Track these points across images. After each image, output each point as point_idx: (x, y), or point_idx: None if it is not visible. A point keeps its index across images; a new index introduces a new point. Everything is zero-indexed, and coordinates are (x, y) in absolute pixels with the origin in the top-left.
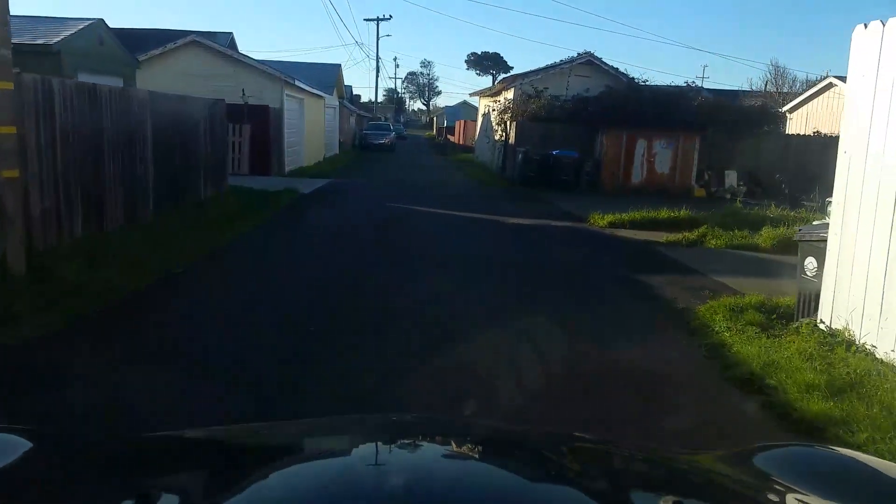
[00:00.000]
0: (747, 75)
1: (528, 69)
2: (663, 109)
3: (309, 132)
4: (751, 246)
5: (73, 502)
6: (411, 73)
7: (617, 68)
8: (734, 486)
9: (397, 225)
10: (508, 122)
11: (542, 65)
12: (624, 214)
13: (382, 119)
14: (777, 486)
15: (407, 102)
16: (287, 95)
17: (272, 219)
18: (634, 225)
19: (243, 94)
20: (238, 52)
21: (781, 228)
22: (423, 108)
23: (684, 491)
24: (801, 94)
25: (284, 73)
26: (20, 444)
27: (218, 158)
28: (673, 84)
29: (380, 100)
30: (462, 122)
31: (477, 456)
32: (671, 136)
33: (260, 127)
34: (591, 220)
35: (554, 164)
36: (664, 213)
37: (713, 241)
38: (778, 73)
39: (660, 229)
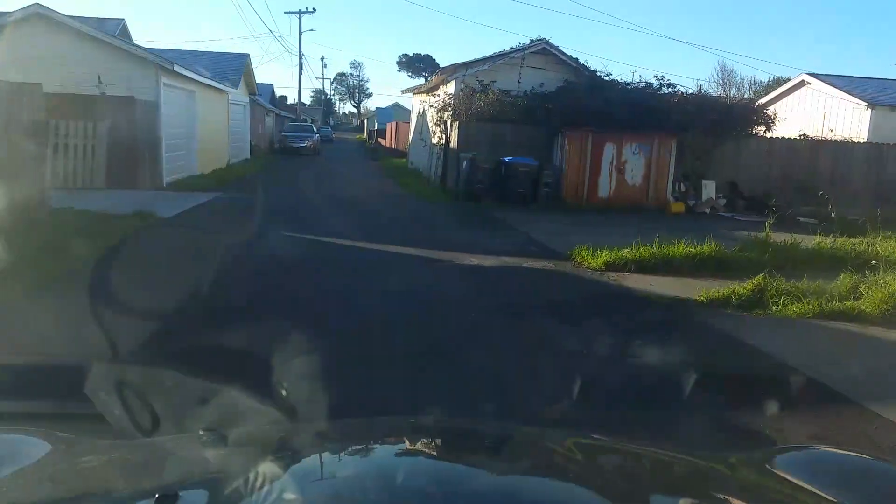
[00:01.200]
0: (696, 76)
1: (473, 58)
2: (635, 108)
3: (205, 133)
4: (850, 313)
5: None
6: (340, 74)
7: (577, 59)
8: (750, 488)
9: (285, 281)
10: (449, 123)
11: (489, 53)
12: (625, 251)
13: (307, 120)
14: (792, 488)
15: (336, 104)
16: (167, 86)
17: (62, 277)
18: (642, 267)
19: (99, 83)
20: (105, 33)
21: (876, 279)
22: (354, 110)
23: (700, 493)
24: (760, 93)
25: (161, 58)
26: (39, 446)
27: (14, 170)
28: (641, 79)
29: (308, 101)
30: (394, 124)
31: (492, 458)
32: (644, 139)
33: (125, 126)
34: (578, 259)
35: (507, 175)
36: (680, 249)
37: (792, 308)
38: (725, 73)
39: (681, 274)
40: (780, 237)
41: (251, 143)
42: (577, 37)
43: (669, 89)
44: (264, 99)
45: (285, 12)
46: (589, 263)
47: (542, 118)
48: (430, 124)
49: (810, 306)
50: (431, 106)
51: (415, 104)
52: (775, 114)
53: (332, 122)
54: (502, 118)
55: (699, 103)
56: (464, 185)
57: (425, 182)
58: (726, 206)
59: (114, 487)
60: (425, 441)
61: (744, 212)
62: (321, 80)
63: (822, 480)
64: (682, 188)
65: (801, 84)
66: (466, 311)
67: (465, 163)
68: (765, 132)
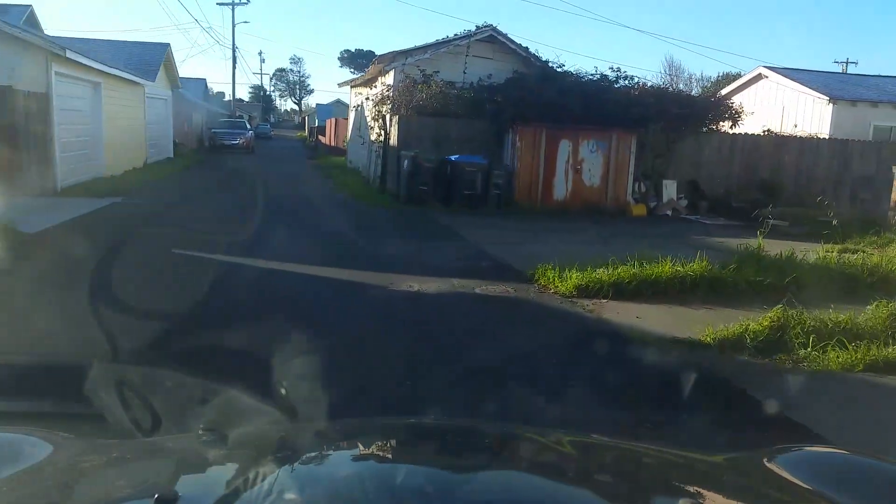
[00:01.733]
0: (645, 70)
1: (413, 45)
2: (591, 101)
3: (114, 130)
4: None
5: (99, 503)
6: (280, 70)
7: (527, 48)
8: (749, 488)
9: (135, 336)
10: (388, 117)
11: (431, 40)
12: (599, 271)
13: (244, 116)
14: (791, 488)
15: (277, 101)
16: (62, 75)
17: None
18: (622, 292)
19: None
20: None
21: None
22: (296, 107)
23: (699, 492)
24: (709, 90)
25: (53, 43)
26: (39, 446)
27: None
28: (597, 71)
29: (246, 98)
30: (333, 120)
31: (493, 459)
32: (602, 135)
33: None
34: (543, 281)
35: (453, 175)
36: (666, 269)
37: (833, 358)
38: (673, 68)
39: (668, 299)
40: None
41: (175, 141)
42: (526, 24)
43: (626, 81)
44: (196, 94)
45: (217, 3)
46: (557, 287)
47: (490, 112)
48: (368, 119)
49: (858, 355)
50: (368, 99)
51: (353, 98)
52: (741, 107)
53: (272, 119)
54: (447, 112)
55: (661, 96)
56: (405, 186)
57: (364, 183)
58: (688, 208)
59: (113, 487)
60: (423, 441)
61: (707, 214)
62: (259, 76)
63: (821, 480)
64: (643, 189)
65: (759, 78)
66: (411, 357)
67: (406, 162)
68: (731, 127)
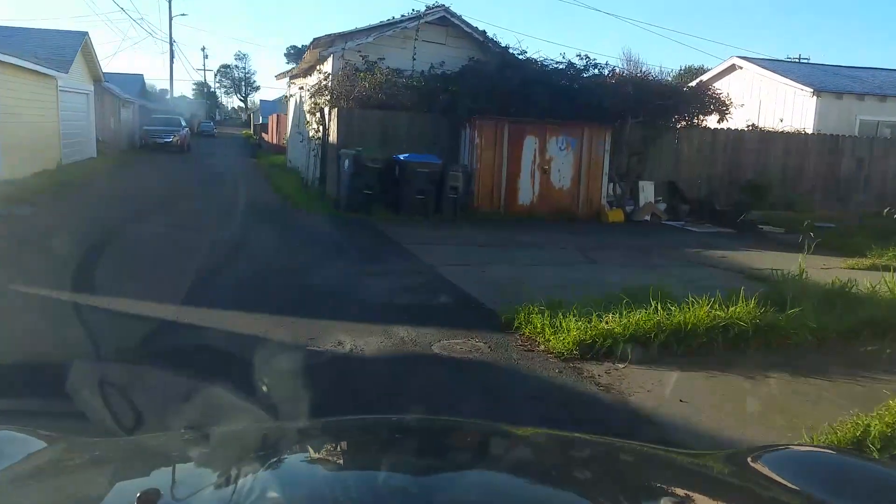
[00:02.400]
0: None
1: (354, 27)
2: (560, 91)
3: (15, 127)
4: None
5: (81, 501)
6: (225, 66)
7: (484, 32)
8: (733, 486)
9: None
10: (327, 111)
11: (375, 21)
12: (609, 319)
13: (182, 113)
14: (775, 487)
15: (222, 98)
16: None
17: None
18: (644, 350)
19: None
20: None
21: None
22: (242, 104)
23: (684, 491)
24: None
25: None
26: (20, 443)
27: None
28: (563, 58)
29: (191, 95)
30: (275, 116)
31: (478, 457)
32: (572, 130)
33: None
34: (528, 331)
35: (402, 177)
36: (702, 315)
37: None
38: (631, 62)
39: (714, 363)
40: (768, 258)
41: (98, 139)
42: (482, 6)
43: (596, 70)
44: (132, 91)
45: None
46: (549, 343)
47: (444, 104)
48: (306, 113)
49: None
50: (302, 89)
51: (292, 91)
52: (729, 97)
53: (218, 117)
54: (394, 105)
55: (641, 85)
56: (346, 190)
57: (302, 185)
58: (667, 212)
59: (96, 485)
60: (406, 439)
61: (690, 219)
62: (202, 72)
63: (805, 479)
64: (618, 191)
65: (732, 69)
66: None
67: (346, 162)
68: (719, 121)
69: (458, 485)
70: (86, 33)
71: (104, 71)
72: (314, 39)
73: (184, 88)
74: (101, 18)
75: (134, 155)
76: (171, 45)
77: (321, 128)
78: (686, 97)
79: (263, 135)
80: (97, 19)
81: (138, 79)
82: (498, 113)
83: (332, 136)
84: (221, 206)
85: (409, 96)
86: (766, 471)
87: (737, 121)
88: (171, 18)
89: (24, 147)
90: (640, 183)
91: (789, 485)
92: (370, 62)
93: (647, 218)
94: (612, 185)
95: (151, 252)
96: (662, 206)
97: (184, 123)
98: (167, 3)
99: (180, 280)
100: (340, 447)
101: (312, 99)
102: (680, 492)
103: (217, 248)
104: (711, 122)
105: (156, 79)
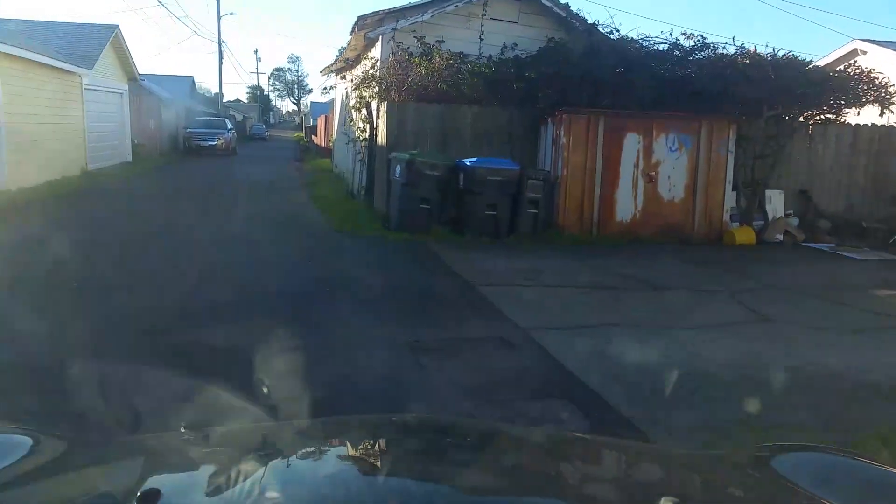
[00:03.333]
0: None
1: (407, 2)
2: (667, 77)
3: (27, 128)
4: None
5: (81, 501)
6: (278, 69)
7: (567, 5)
8: (735, 486)
9: None
10: (375, 105)
11: None
12: None
13: (230, 115)
14: (778, 486)
15: (275, 101)
16: None
17: None
18: None
19: None
20: None
21: None
22: (295, 107)
23: (686, 490)
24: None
25: None
26: (19, 444)
27: None
28: (670, 37)
29: (244, 98)
30: (323, 117)
31: (476, 456)
32: (687, 126)
33: None
34: None
35: (469, 188)
36: None
37: None
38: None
39: None
40: None
41: (134, 142)
42: None
43: (708, 51)
44: (180, 92)
45: None
46: None
47: (520, 95)
48: (351, 110)
49: None
50: (344, 78)
51: (339, 89)
52: (888, 81)
53: (272, 120)
54: (456, 96)
55: (786, 67)
56: (398, 204)
57: (347, 195)
58: (801, 228)
59: (95, 485)
60: (408, 438)
61: (834, 239)
62: (255, 75)
63: (806, 478)
64: (742, 203)
65: (853, 54)
66: None
67: (398, 168)
68: (880, 114)
69: (455, 484)
70: (116, 27)
71: (150, 73)
72: (359, 18)
73: (238, 92)
74: (137, 12)
75: (173, 160)
76: (220, 44)
77: (368, 126)
78: (838, 83)
79: (313, 137)
80: (137, 17)
81: (187, 80)
82: (589, 105)
83: (381, 137)
84: (242, 228)
85: (475, 86)
86: (768, 470)
87: (862, 117)
88: (219, 17)
89: (36, 151)
90: (767, 193)
91: (792, 485)
92: (427, 45)
93: (780, 238)
94: (736, 195)
95: (113, 305)
96: (795, 222)
97: (229, 126)
98: (215, 2)
99: (161, 349)
100: (340, 446)
101: (357, 91)
102: (684, 492)
103: (207, 298)
104: (889, 111)
105: (212, 82)
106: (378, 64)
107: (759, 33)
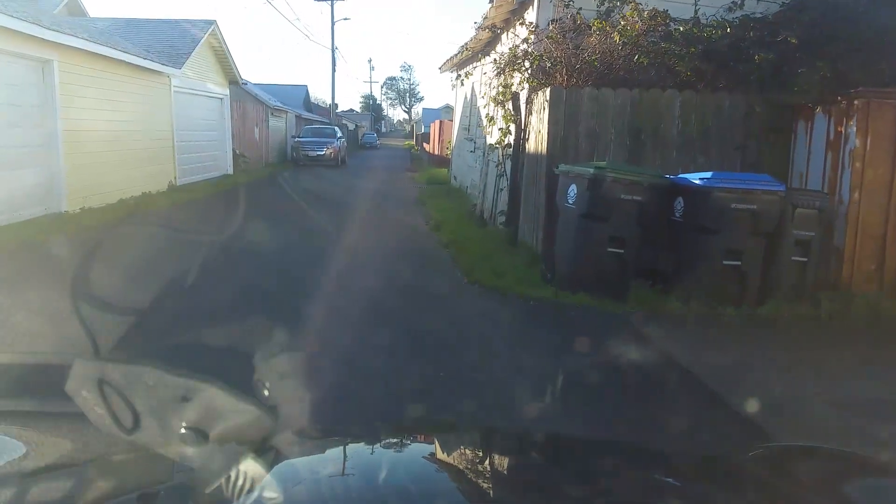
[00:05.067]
0: None
1: None
2: None
3: (92, 136)
4: None
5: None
6: (390, 78)
7: None
8: (735, 486)
9: None
10: (525, 95)
11: None
12: None
13: (341, 124)
14: (777, 486)
15: (387, 110)
16: None
17: None
18: None
19: None
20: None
21: None
22: (406, 115)
23: (687, 491)
24: None
25: None
26: (14, 446)
27: None
28: None
29: (357, 108)
30: (438, 123)
31: (481, 461)
32: None
33: None
34: None
35: (694, 222)
36: None
37: None
38: None
39: None
40: None
41: (236, 152)
42: None
43: None
44: (295, 101)
45: None
46: None
47: (763, 72)
48: (481, 109)
49: None
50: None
51: (459, 88)
52: None
53: (383, 129)
54: (655, 77)
55: None
56: (571, 244)
57: (475, 219)
58: None
59: (95, 485)
60: (411, 443)
61: None
62: (369, 84)
63: (805, 477)
64: None
65: None
66: None
67: (572, 188)
68: None
69: (457, 488)
70: (213, 22)
71: (265, 82)
72: None
73: (352, 102)
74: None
75: (277, 171)
76: (333, 51)
77: (512, 126)
78: None
79: (425, 145)
80: (245, 23)
81: (302, 89)
82: (879, 84)
83: (535, 141)
84: (332, 278)
85: (690, 60)
86: (768, 469)
87: None
88: (332, 23)
89: (106, 165)
90: None
91: (791, 485)
92: (610, 4)
93: None
94: None
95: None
96: None
97: (339, 134)
98: (329, 6)
99: None
100: (340, 449)
101: (500, 78)
102: (683, 492)
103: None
104: None
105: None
106: (535, 32)
107: None
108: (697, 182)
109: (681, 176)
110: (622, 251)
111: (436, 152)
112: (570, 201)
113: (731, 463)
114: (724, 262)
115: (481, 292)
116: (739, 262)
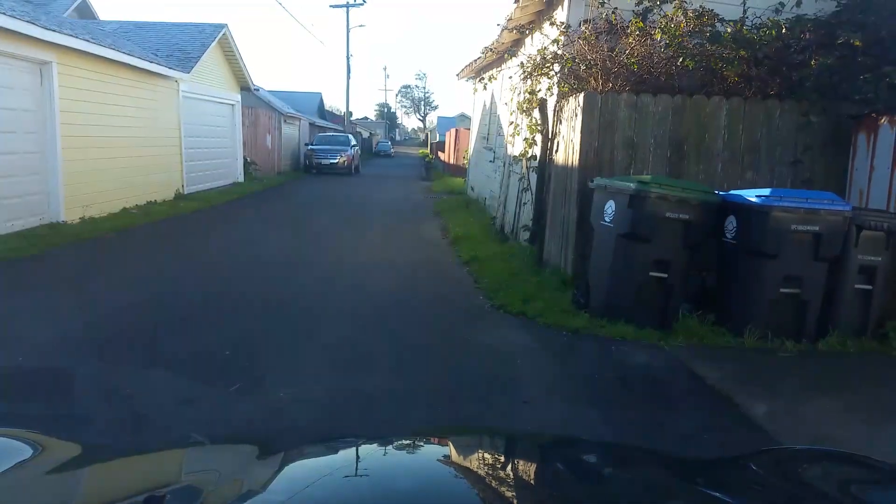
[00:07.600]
0: None
1: None
2: None
3: (94, 142)
4: None
5: None
6: (405, 87)
7: None
8: (739, 489)
9: None
10: (553, 102)
11: None
12: None
13: (354, 131)
14: (781, 488)
15: (401, 118)
16: None
17: None
18: None
19: None
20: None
21: None
22: (421, 124)
23: (690, 494)
24: None
25: None
26: (18, 449)
27: None
28: None
29: (372, 116)
30: (453, 131)
31: (486, 463)
32: None
33: None
34: None
35: (749, 245)
36: None
37: None
38: None
39: None
40: None
41: (246, 160)
42: None
43: None
44: (309, 109)
45: (330, 6)
46: None
47: (819, 79)
48: (502, 117)
49: None
50: (509, 77)
51: (478, 96)
52: None
53: (397, 137)
54: (700, 82)
55: None
56: (608, 267)
57: (496, 234)
58: None
59: (101, 488)
60: (416, 446)
61: None
62: (384, 92)
63: (809, 480)
64: None
65: None
66: None
67: (610, 205)
68: None
69: (461, 491)
70: (224, 26)
71: (279, 89)
72: None
73: (366, 110)
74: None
75: (289, 180)
76: (348, 58)
77: (538, 136)
78: None
79: (440, 153)
80: (261, 33)
81: (316, 96)
82: None
83: (564, 151)
84: (348, 295)
85: (739, 63)
86: (771, 472)
87: None
88: (348, 30)
89: (106, 173)
90: None
91: (794, 487)
92: (650, 1)
93: None
94: None
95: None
96: None
97: (353, 142)
98: (344, 13)
99: None
100: (348, 457)
101: (528, 83)
102: (688, 496)
103: None
104: None
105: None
106: (567, 32)
107: None
108: (754, 200)
109: (733, 193)
110: (666, 276)
111: (451, 161)
112: (608, 219)
113: (731, 464)
114: (782, 290)
115: (507, 320)
116: (799, 291)
